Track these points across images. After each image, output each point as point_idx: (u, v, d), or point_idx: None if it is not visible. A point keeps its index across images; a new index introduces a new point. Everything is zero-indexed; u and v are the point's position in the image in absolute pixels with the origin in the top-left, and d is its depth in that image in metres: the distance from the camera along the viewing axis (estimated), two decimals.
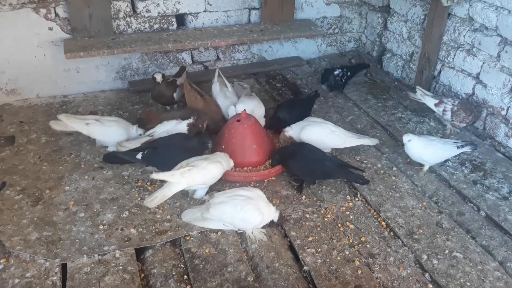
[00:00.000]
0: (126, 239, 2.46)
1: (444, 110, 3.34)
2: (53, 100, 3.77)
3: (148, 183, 2.85)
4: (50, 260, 2.31)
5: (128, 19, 3.82)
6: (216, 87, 3.54)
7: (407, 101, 3.87)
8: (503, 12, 3.16)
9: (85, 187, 2.81)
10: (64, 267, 2.31)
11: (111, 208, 2.66)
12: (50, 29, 3.62)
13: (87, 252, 2.36)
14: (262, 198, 2.53)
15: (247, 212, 2.44)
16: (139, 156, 2.82)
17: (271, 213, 2.50)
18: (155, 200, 2.56)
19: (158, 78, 3.38)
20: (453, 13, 3.57)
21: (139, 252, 2.44)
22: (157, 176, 2.58)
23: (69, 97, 3.83)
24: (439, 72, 3.79)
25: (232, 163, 2.80)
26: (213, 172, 2.66)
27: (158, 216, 2.61)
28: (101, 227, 2.53)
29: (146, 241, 2.46)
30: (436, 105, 3.38)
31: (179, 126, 3.05)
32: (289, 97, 3.98)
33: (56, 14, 3.60)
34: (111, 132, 3.04)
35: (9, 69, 3.63)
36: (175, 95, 3.49)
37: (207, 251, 2.41)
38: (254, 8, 4.20)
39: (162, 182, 2.69)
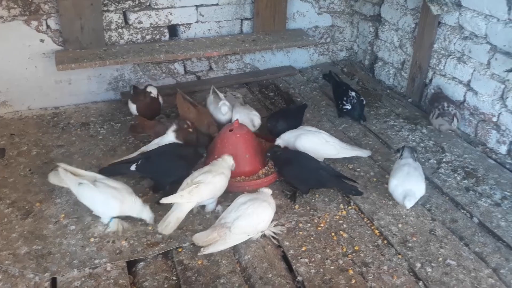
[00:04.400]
0: (117, 251, 2.43)
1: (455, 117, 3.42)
2: (44, 112, 3.75)
3: (140, 194, 2.82)
4: (39, 275, 2.28)
5: (120, 30, 3.83)
6: (210, 98, 3.57)
7: (399, 109, 3.89)
8: (492, 20, 3.19)
9: (76, 199, 2.75)
10: (54, 281, 2.27)
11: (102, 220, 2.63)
12: (42, 41, 3.62)
13: (77, 266, 2.33)
14: (262, 193, 2.57)
15: (261, 213, 2.46)
16: (133, 167, 2.80)
17: (271, 197, 2.56)
18: (169, 225, 2.48)
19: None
20: (443, 22, 3.60)
21: (131, 265, 2.40)
22: (166, 200, 2.50)
23: (60, 108, 3.81)
24: (431, 80, 3.82)
25: (232, 162, 2.77)
26: (219, 184, 2.63)
27: (150, 228, 2.58)
28: (92, 239, 2.50)
29: (138, 253, 2.43)
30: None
31: (166, 139, 3.03)
32: (282, 106, 3.98)
33: (48, 26, 3.60)
34: (100, 201, 2.53)
35: None
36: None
37: (199, 262, 2.38)
38: (246, 19, 4.22)
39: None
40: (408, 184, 2.68)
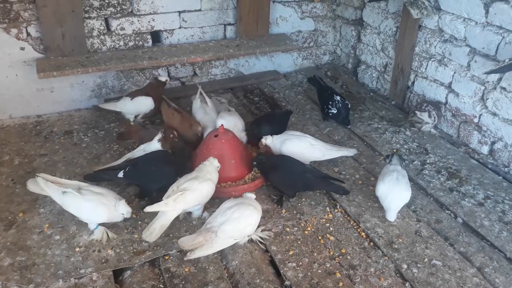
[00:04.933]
0: (103, 260, 2.40)
1: (433, 116, 3.52)
2: (26, 120, 3.69)
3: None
4: (23, 287, 2.23)
5: (102, 37, 3.80)
6: (196, 104, 3.54)
7: (383, 112, 3.93)
8: (470, 23, 3.25)
9: (60, 208, 2.70)
10: None
11: (87, 229, 2.59)
12: (22, 49, 3.56)
13: (62, 276, 2.29)
14: (246, 197, 2.58)
15: (248, 217, 2.45)
16: (120, 174, 2.77)
17: (256, 202, 2.58)
18: (154, 232, 2.45)
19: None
20: (423, 25, 3.66)
21: (117, 274, 2.38)
22: (151, 208, 2.46)
23: (43, 117, 3.76)
24: (413, 82, 3.87)
25: (218, 164, 2.76)
26: (205, 191, 2.61)
27: (136, 236, 2.56)
28: (77, 249, 2.47)
29: (124, 262, 2.40)
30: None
31: (151, 146, 3.01)
32: (267, 111, 3.99)
33: (28, 34, 3.55)
34: (88, 209, 2.49)
35: None
36: None
37: (186, 270, 2.37)
38: (230, 24, 4.23)
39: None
40: (395, 193, 2.65)
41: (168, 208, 2.49)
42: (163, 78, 3.57)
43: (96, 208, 2.48)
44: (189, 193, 2.52)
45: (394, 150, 3.36)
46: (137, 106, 3.51)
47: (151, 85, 3.62)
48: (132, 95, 3.54)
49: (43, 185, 2.50)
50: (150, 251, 2.46)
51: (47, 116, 3.77)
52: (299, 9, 4.47)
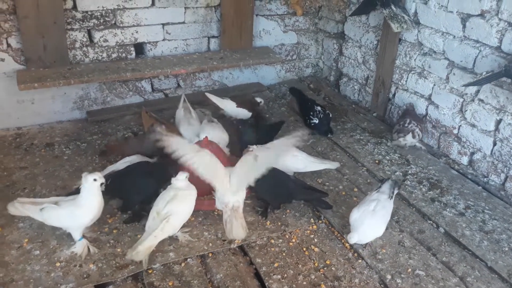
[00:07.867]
0: (85, 275, 2.35)
1: (417, 135, 3.50)
2: (6, 133, 3.62)
3: (108, 215, 2.76)
4: None
5: (85, 49, 3.77)
6: (180, 113, 3.52)
7: (364, 123, 3.98)
8: (448, 37, 3.34)
9: (40, 223, 2.64)
10: None
11: (68, 244, 2.54)
12: (2, 60, 3.51)
13: None
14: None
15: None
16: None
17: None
18: (139, 254, 2.38)
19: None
20: (403, 38, 3.74)
21: None
22: (143, 247, 2.37)
23: (23, 129, 3.69)
24: (394, 95, 3.94)
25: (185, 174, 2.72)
26: (187, 210, 2.58)
27: (119, 250, 2.52)
28: (58, 264, 2.41)
29: (106, 276, 2.36)
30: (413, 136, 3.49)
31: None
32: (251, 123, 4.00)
33: (8, 45, 3.50)
34: (66, 215, 2.46)
35: None
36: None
37: (170, 284, 2.33)
38: (213, 37, 4.25)
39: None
40: (365, 223, 2.52)
41: (158, 240, 2.44)
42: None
43: (74, 211, 2.42)
44: (174, 218, 2.47)
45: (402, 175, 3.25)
46: (237, 113, 3.75)
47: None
48: (238, 103, 3.73)
49: (22, 209, 2.48)
50: (133, 265, 2.42)
51: (27, 128, 3.71)
52: (282, 22, 4.52)
